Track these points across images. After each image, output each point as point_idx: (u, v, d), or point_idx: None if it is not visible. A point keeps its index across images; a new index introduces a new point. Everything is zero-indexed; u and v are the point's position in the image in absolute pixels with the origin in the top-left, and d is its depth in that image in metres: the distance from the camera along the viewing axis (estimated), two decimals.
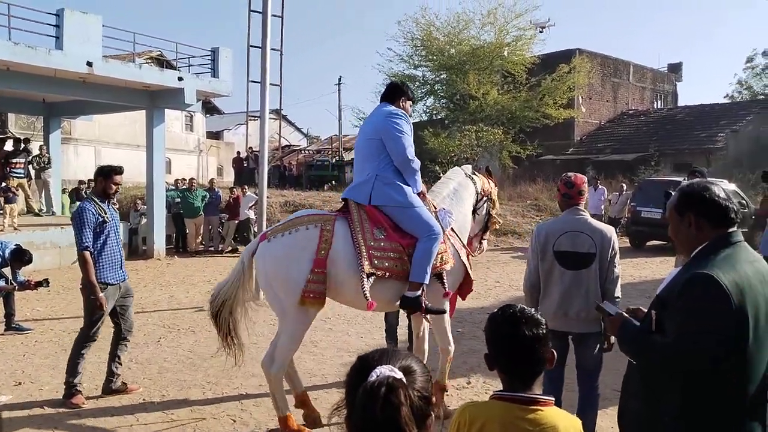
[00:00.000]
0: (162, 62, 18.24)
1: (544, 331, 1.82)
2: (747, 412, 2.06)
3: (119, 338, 5.18)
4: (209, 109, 32.59)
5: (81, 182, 16.58)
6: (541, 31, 27.42)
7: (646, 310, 2.35)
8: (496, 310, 1.88)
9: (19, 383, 5.36)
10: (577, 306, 3.65)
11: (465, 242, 4.71)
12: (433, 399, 1.28)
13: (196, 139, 32.94)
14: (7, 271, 6.77)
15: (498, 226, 5.26)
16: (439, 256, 4.20)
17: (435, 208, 4.43)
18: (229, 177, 29.21)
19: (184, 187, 15.17)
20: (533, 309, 1.88)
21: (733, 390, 2.02)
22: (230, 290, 4.30)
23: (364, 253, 3.99)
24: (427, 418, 1.24)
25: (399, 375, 1.22)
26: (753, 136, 25.09)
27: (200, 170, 31.54)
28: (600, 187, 16.60)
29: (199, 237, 15.23)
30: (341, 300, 4.23)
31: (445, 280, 4.30)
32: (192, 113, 29.89)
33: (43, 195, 15.07)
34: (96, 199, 4.95)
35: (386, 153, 4.22)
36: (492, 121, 24.19)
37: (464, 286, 4.60)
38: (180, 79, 12.94)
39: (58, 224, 12.83)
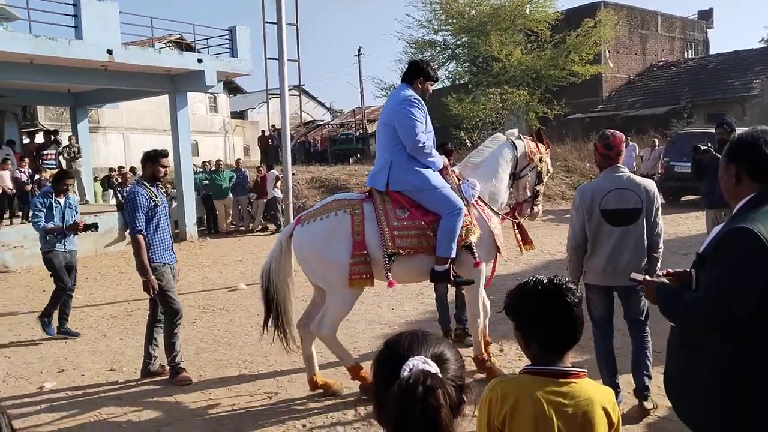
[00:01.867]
0: (181, 45, 18.26)
1: (580, 299, 1.75)
2: None
3: (155, 320, 5.27)
4: (232, 89, 32.63)
5: (111, 170, 16.90)
6: None
7: (688, 269, 2.27)
8: (526, 281, 1.79)
9: (62, 370, 5.51)
10: (626, 260, 3.77)
11: (499, 209, 4.75)
12: (465, 384, 1.24)
13: (221, 120, 33.12)
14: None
15: (541, 189, 5.16)
16: (464, 229, 4.31)
17: (458, 180, 4.51)
18: (256, 156, 29.36)
19: (212, 169, 15.31)
20: (565, 277, 1.80)
21: None
22: (273, 271, 4.52)
23: (387, 234, 4.21)
24: (461, 404, 1.20)
25: (434, 368, 1.18)
26: None
27: (227, 151, 31.77)
28: (630, 143, 16.18)
29: (229, 218, 15.41)
30: (377, 277, 4.33)
31: (474, 251, 4.40)
32: (215, 95, 29.99)
33: (75, 184, 15.37)
34: (146, 184, 5.13)
35: (399, 139, 4.32)
36: (517, 82, 23.67)
37: (522, 240, 4.82)
38: (200, 61, 12.95)
39: (92, 212, 13.09)
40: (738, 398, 1.98)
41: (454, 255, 4.28)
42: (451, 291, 5.69)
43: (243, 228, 15.40)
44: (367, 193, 4.51)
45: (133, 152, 26.68)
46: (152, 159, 5.17)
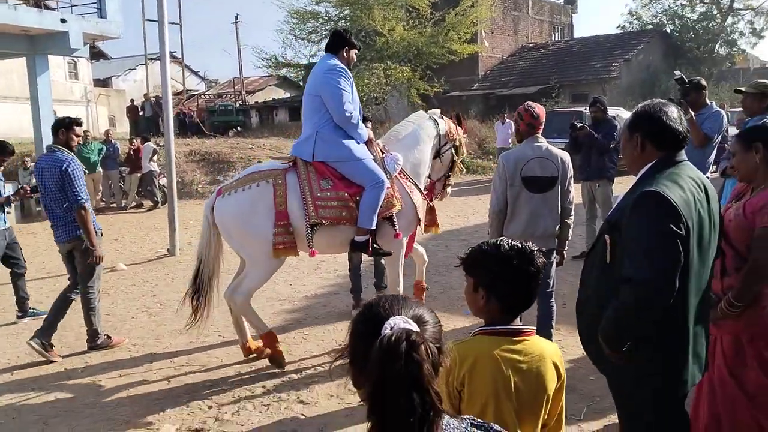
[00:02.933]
0: (38, 3, 16.44)
1: (543, 265, 1.79)
2: (694, 320, 2.17)
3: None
4: (95, 54, 30.07)
5: None
6: None
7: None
8: (497, 242, 1.79)
9: None
10: (543, 225, 4.01)
11: (421, 183, 4.82)
12: (446, 347, 1.22)
13: (82, 88, 30.46)
14: None
15: (460, 173, 5.56)
16: (386, 201, 4.39)
17: (382, 153, 4.58)
18: (123, 127, 27.40)
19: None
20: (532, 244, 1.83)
21: (679, 300, 2.09)
22: (204, 246, 4.52)
23: (310, 204, 4.24)
24: (439, 367, 1.18)
25: (415, 327, 1.15)
26: (644, 65, 26.52)
27: (90, 121, 29.28)
28: (507, 121, 17.00)
29: (99, 194, 14.28)
30: (300, 247, 4.36)
31: (395, 222, 4.50)
32: (75, 60, 27.51)
33: None
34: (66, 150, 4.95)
35: (326, 109, 4.32)
36: (399, 58, 23.92)
37: (428, 221, 4.94)
38: (63, 20, 11.73)
39: None
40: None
41: (374, 226, 4.35)
42: (369, 260, 5.81)
43: (114, 205, 14.37)
44: (291, 163, 4.46)
45: None
46: (66, 126, 4.98)
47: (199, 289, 4.54)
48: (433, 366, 1.14)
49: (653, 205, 2.06)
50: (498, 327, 1.77)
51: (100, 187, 14.26)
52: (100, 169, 13.87)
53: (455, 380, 1.70)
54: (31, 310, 6.05)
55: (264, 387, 4.22)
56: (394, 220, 4.50)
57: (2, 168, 6.01)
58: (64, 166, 4.79)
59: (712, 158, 5.47)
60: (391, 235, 4.53)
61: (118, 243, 10.07)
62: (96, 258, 4.90)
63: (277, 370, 4.44)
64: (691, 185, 2.16)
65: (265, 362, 4.57)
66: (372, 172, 4.35)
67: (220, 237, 4.54)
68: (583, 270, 2.41)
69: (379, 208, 4.34)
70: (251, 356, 4.62)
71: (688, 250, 2.06)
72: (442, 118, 5.15)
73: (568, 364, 4.29)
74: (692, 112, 5.10)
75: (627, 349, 2.12)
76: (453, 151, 5.11)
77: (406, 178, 4.68)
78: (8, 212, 6.08)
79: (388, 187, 4.39)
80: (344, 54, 4.46)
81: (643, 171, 2.26)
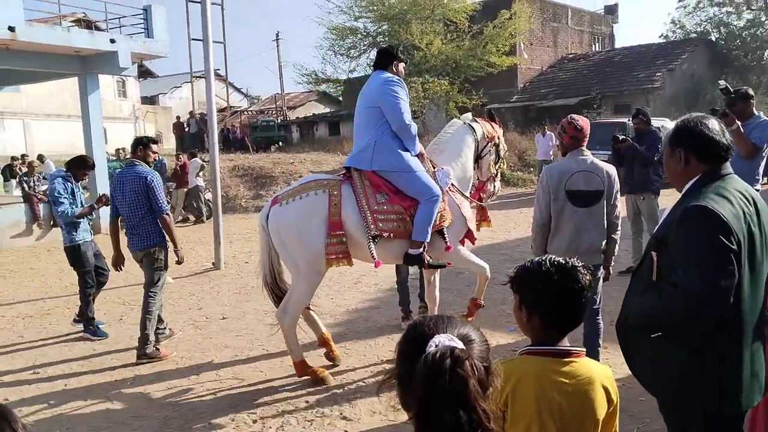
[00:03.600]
0: (89, 25, 17.13)
1: (590, 284, 1.76)
2: (751, 338, 2.12)
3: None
4: (142, 72, 31.09)
5: (14, 158, 15.64)
6: None
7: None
8: (538, 263, 1.78)
9: None
10: (588, 240, 3.93)
11: (468, 192, 4.92)
12: (494, 368, 1.21)
13: (130, 106, 31.53)
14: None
15: (504, 167, 5.65)
16: (439, 214, 4.44)
17: (434, 168, 4.65)
18: (170, 143, 28.18)
19: (127, 157, 14.49)
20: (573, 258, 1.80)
21: (731, 315, 2.05)
22: (267, 258, 4.61)
23: (369, 217, 4.29)
24: (487, 390, 1.17)
25: (460, 344, 1.16)
26: (688, 74, 25.88)
27: None
28: (548, 133, 16.83)
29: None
30: (356, 257, 4.45)
31: (446, 235, 4.57)
32: (124, 78, 28.48)
33: None
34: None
35: (384, 120, 4.40)
36: (437, 71, 23.98)
37: (469, 235, 4.90)
38: (112, 41, 12.18)
39: None
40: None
41: (428, 240, 4.42)
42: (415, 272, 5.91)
43: None
44: (344, 175, 4.56)
45: (35, 139, 24.93)
46: (144, 145, 5.46)
47: (275, 290, 4.71)
48: (480, 383, 1.13)
49: (701, 220, 2.03)
50: (544, 347, 1.74)
51: None
52: None
53: (500, 399, 1.69)
54: (92, 326, 6.05)
55: (307, 402, 4.25)
56: (445, 233, 4.56)
57: (83, 181, 6.19)
58: (148, 178, 5.23)
59: (761, 169, 5.29)
60: (443, 247, 4.59)
61: None
62: (180, 258, 5.53)
63: (321, 385, 4.48)
64: (739, 199, 2.12)
65: (288, 372, 4.62)
66: (427, 185, 4.40)
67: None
68: (629, 288, 2.37)
69: (433, 221, 4.39)
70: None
71: (739, 265, 2.01)
72: (476, 120, 5.14)
73: (617, 383, 4.20)
74: (738, 122, 4.95)
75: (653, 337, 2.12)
76: (494, 150, 5.14)
77: (456, 191, 4.74)
78: (91, 221, 6.23)
79: (441, 201, 4.45)
80: (393, 68, 4.58)
81: (688, 186, 2.23)
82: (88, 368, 5.10)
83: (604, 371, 1.77)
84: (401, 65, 4.64)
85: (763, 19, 30.56)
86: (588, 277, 1.75)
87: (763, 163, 5.39)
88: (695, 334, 2.05)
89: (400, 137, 4.43)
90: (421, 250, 4.42)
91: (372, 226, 4.28)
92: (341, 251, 4.30)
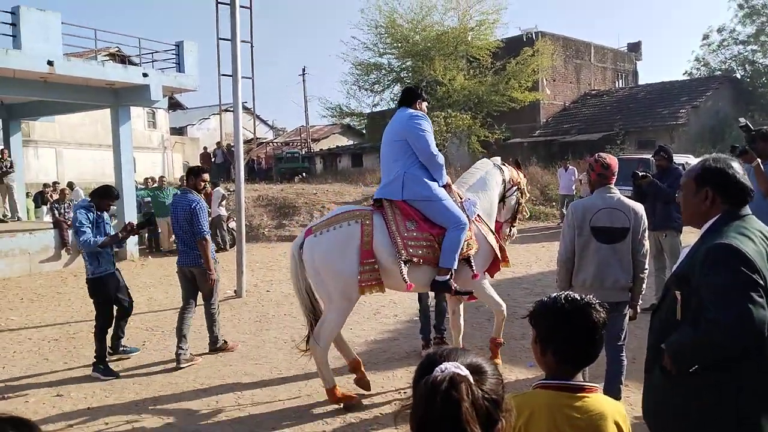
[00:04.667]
0: (123, 59, 17.74)
1: (605, 320, 1.79)
2: None
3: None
4: (171, 104, 31.88)
5: (45, 185, 16.09)
6: (525, 37, 27.57)
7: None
8: (553, 299, 1.82)
9: (2, 397, 5.17)
10: (612, 277, 3.96)
11: (492, 226, 5.09)
12: (505, 405, 1.23)
13: (159, 136, 32.28)
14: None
15: (526, 214, 5.92)
16: (465, 242, 4.61)
17: (461, 198, 4.86)
18: None
19: (155, 185, 14.84)
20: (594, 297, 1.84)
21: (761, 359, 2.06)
22: (299, 283, 4.71)
23: (400, 243, 4.45)
24: (495, 423, 1.20)
25: (464, 372, 1.19)
26: (713, 111, 25.73)
27: (165, 168, 30.92)
28: (570, 167, 16.83)
29: (172, 236, 14.94)
30: (386, 284, 4.56)
31: (473, 263, 4.73)
32: (155, 110, 29.25)
33: (7, 200, 14.57)
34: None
35: (412, 152, 4.62)
36: (460, 106, 24.23)
37: (492, 266, 5.07)
38: (145, 75, 12.62)
39: (26, 230, 12.43)
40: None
41: (456, 267, 4.56)
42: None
43: None
44: (374, 206, 4.74)
45: (67, 167, 25.62)
46: (195, 174, 6.14)
47: (314, 318, 4.75)
48: (480, 412, 1.15)
49: (728, 257, 2.06)
50: (557, 382, 1.76)
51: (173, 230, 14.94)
52: None
53: None
54: (122, 348, 6.22)
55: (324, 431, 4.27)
56: (472, 261, 4.71)
57: (108, 211, 6.05)
58: (193, 205, 5.83)
59: None
60: (470, 275, 4.73)
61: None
62: (212, 281, 5.96)
63: (338, 414, 4.50)
64: (760, 238, 2.16)
65: (325, 406, 4.64)
66: (455, 213, 4.59)
67: (304, 270, 4.68)
68: (650, 329, 2.38)
69: (460, 248, 4.54)
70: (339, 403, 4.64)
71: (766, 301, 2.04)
72: (504, 164, 5.47)
73: (636, 420, 4.15)
74: (759, 160, 4.96)
75: (692, 371, 2.13)
76: (518, 195, 5.46)
77: (482, 222, 4.95)
78: (118, 248, 6.21)
79: (468, 230, 4.62)
80: (417, 106, 4.81)
81: (708, 224, 2.26)
82: (111, 392, 5.19)
83: (617, 407, 1.79)
84: (424, 104, 4.88)
85: None
86: (603, 315, 1.77)
87: None
88: (713, 360, 2.09)
89: (428, 167, 4.63)
90: (448, 277, 4.55)
91: (403, 251, 4.43)
92: (374, 279, 4.44)
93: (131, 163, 13.94)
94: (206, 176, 6.24)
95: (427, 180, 4.60)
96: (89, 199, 5.93)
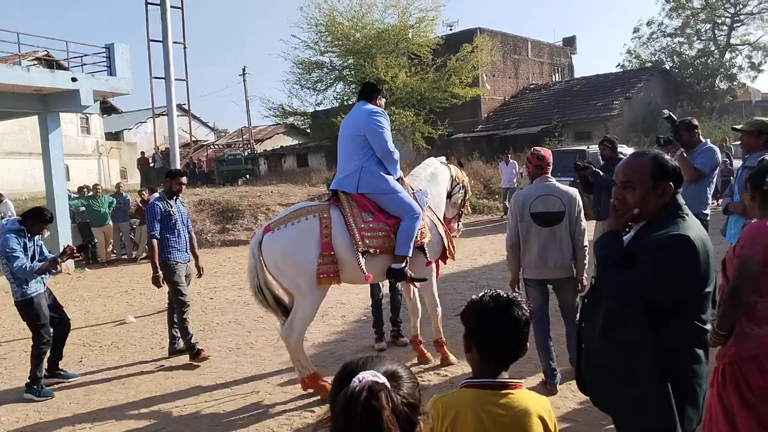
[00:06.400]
0: (51, 63, 16.98)
1: (528, 317, 1.81)
2: (704, 345, 2.24)
3: (173, 309, 6.31)
4: (106, 108, 30.79)
5: None
6: (450, 28, 27.99)
7: None
8: (479, 296, 1.83)
9: None
10: (554, 256, 4.40)
11: (441, 216, 5.36)
12: (422, 408, 1.24)
13: (94, 142, 31.12)
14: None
15: (468, 211, 6.30)
16: (419, 231, 4.83)
17: (412, 190, 5.07)
18: (134, 179, 27.87)
19: (89, 194, 14.28)
20: (515, 294, 1.86)
21: (696, 331, 2.20)
22: (255, 280, 4.77)
23: (357, 234, 4.59)
24: (414, 426, 1.20)
25: (382, 379, 1.19)
26: (645, 102, 26.79)
27: (102, 174, 29.85)
28: (511, 161, 17.15)
29: (110, 246, 14.45)
30: (343, 276, 4.69)
31: (426, 251, 4.98)
32: (88, 115, 28.17)
33: None
34: (165, 197, 6.24)
35: (369, 147, 4.79)
36: (403, 103, 24.34)
37: (443, 254, 5.30)
38: (74, 80, 12.10)
39: None
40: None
41: (411, 254, 4.77)
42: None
43: (125, 256, 14.48)
44: (331, 199, 4.89)
45: None
46: (171, 176, 6.39)
47: (270, 307, 4.88)
48: (400, 417, 1.15)
49: (683, 247, 2.15)
50: (482, 380, 1.78)
51: (111, 240, 14.43)
52: (111, 222, 14.05)
53: None
54: (60, 372, 5.77)
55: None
56: (425, 249, 4.96)
57: (42, 235, 5.64)
58: (147, 208, 6.25)
59: (710, 193, 5.51)
60: (423, 263, 5.00)
61: (128, 295, 10.13)
62: (153, 280, 6.14)
63: (284, 423, 4.43)
64: (701, 227, 2.30)
65: (272, 416, 4.57)
66: (409, 204, 4.79)
67: (264, 267, 4.75)
68: (583, 309, 2.47)
69: (414, 237, 4.74)
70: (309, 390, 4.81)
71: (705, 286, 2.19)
72: (448, 165, 5.75)
73: (582, 406, 4.26)
74: (682, 149, 5.21)
75: None
76: (462, 192, 5.74)
77: (432, 213, 5.19)
78: (54, 273, 5.67)
79: (421, 219, 4.84)
80: (376, 102, 4.99)
81: (656, 214, 2.32)
82: (46, 413, 4.95)
83: (541, 402, 1.81)
84: (383, 100, 5.07)
85: (713, 48, 31.97)
86: (527, 313, 1.80)
87: (712, 187, 5.61)
88: (641, 328, 2.21)
89: (384, 162, 4.82)
90: (404, 264, 4.76)
91: (360, 243, 4.57)
92: (332, 270, 4.57)
93: (63, 171, 13.36)
94: (183, 179, 6.44)
95: (383, 174, 4.79)
96: (19, 223, 5.47)
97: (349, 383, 1.19)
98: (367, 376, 1.19)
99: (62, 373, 5.80)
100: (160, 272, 6.06)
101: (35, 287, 5.41)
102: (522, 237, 4.46)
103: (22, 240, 5.34)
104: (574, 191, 4.48)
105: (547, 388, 4.55)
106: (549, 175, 4.49)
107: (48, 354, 5.55)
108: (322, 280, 4.57)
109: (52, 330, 5.55)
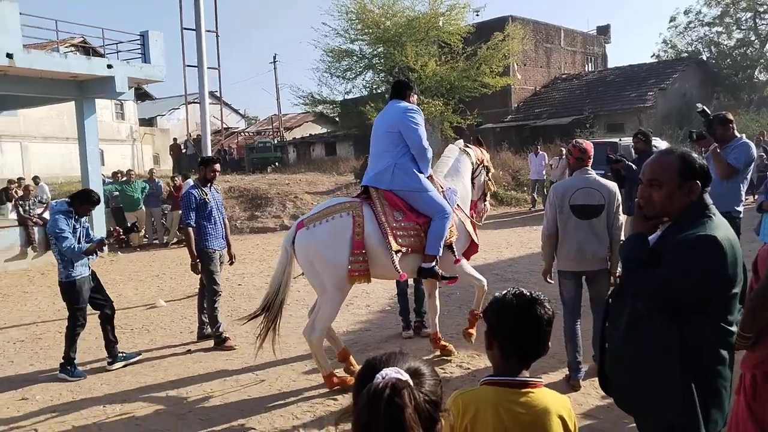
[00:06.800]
0: (87, 50, 17.31)
1: (551, 316, 1.82)
2: (730, 350, 2.23)
3: (203, 295, 6.42)
4: (140, 95, 31.28)
5: (10, 182, 15.66)
6: (477, 13, 27.69)
7: None
8: (503, 293, 1.85)
9: None
10: (591, 249, 4.45)
11: (468, 210, 5.41)
12: (443, 406, 1.26)
13: (128, 128, 31.72)
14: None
15: (495, 188, 6.25)
16: (449, 230, 4.88)
17: (442, 188, 5.09)
18: (167, 165, 28.31)
19: (123, 179, 14.59)
20: (538, 292, 1.87)
21: (722, 332, 2.19)
22: (282, 278, 4.82)
23: (389, 233, 4.63)
24: (436, 423, 1.22)
25: (405, 376, 1.21)
26: (680, 93, 26.15)
27: (135, 160, 30.44)
28: (540, 152, 16.98)
29: (142, 231, 14.76)
30: (374, 273, 4.71)
31: (454, 249, 5.03)
32: (122, 101, 28.68)
33: None
34: (199, 185, 6.32)
35: (404, 144, 4.82)
36: (432, 92, 24.22)
37: (469, 250, 5.34)
38: (110, 66, 12.32)
39: None
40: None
41: (441, 254, 4.82)
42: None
43: (157, 241, 14.77)
44: (362, 196, 4.95)
45: (32, 162, 25.04)
46: (204, 164, 6.43)
47: (269, 313, 4.88)
48: (422, 415, 1.18)
49: (711, 248, 2.12)
50: (503, 378, 1.80)
51: (144, 225, 14.74)
52: (143, 207, 14.35)
53: (459, 430, 1.73)
54: (120, 355, 5.81)
55: (294, 426, 4.28)
56: (454, 247, 5.01)
57: (89, 215, 5.79)
58: (183, 196, 6.38)
59: (744, 189, 5.39)
60: (452, 261, 5.04)
61: (159, 279, 10.36)
62: (192, 267, 6.31)
63: (308, 408, 4.51)
64: (729, 227, 2.25)
65: (297, 401, 4.66)
66: (440, 204, 4.82)
67: (292, 264, 4.82)
68: (607, 309, 2.46)
69: (445, 236, 4.80)
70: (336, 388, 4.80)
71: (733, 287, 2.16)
72: (468, 146, 5.74)
73: (604, 403, 4.24)
74: (716, 144, 5.10)
75: None
76: (484, 172, 5.71)
77: (460, 210, 5.22)
78: (101, 256, 5.86)
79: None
80: (410, 99, 5.01)
81: (682, 213, 2.29)
82: (78, 393, 5.12)
83: (561, 402, 1.82)
84: (415, 96, 5.08)
85: (753, 38, 30.99)
86: (549, 311, 1.80)
87: (746, 184, 5.49)
88: (666, 325, 2.19)
89: (417, 160, 4.85)
90: (434, 263, 4.81)
91: (393, 243, 4.61)
92: (363, 269, 4.60)
93: (98, 156, 13.64)
94: (217, 166, 6.45)
95: (416, 171, 4.82)
96: (68, 204, 5.58)
97: (373, 379, 1.22)
98: (390, 372, 1.21)
99: (123, 354, 5.83)
100: (196, 260, 6.17)
101: (80, 270, 5.53)
102: (560, 229, 4.50)
103: (70, 221, 5.48)
104: (614, 185, 4.52)
105: (571, 383, 4.55)
106: (589, 167, 4.53)
107: (111, 328, 5.73)
108: (354, 278, 4.61)
109: (100, 312, 5.71)
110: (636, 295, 2.25)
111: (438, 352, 5.51)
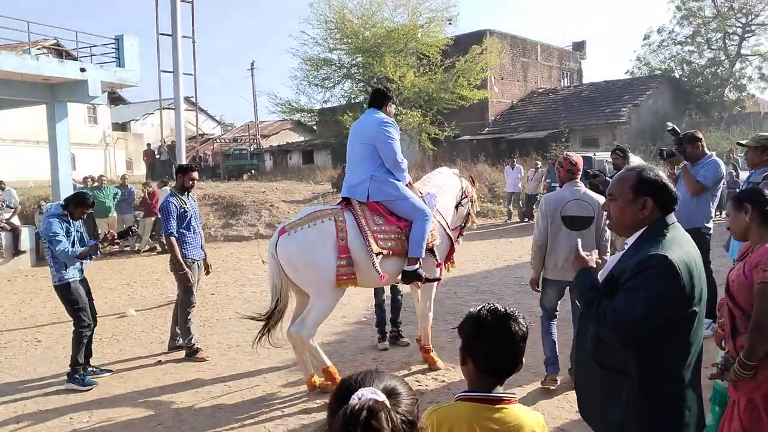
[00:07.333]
0: (60, 52, 17.02)
1: (525, 333, 1.81)
2: (692, 371, 2.21)
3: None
4: (114, 99, 30.90)
5: None
6: (449, 22, 27.88)
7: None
8: (478, 309, 1.83)
9: None
10: None
11: (449, 222, 5.45)
12: (419, 424, 1.24)
13: (101, 132, 31.15)
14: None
15: (475, 226, 6.39)
16: (430, 233, 4.95)
17: (421, 194, 5.19)
18: (140, 170, 27.90)
19: (94, 185, 14.31)
20: (511, 307, 1.85)
21: (680, 353, 2.17)
22: (279, 285, 4.83)
23: (370, 237, 4.70)
24: None
25: (381, 397, 1.19)
26: (653, 110, 26.71)
27: (107, 165, 29.90)
28: (516, 165, 17.13)
29: (145, 237, 14.47)
30: (359, 278, 4.76)
31: (436, 253, 5.11)
32: (95, 105, 28.23)
33: None
34: (177, 193, 6.15)
35: (378, 156, 4.89)
36: (410, 103, 24.32)
37: (448, 256, 5.43)
38: (83, 70, 12.14)
39: None
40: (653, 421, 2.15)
41: (423, 256, 4.88)
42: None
43: (128, 248, 14.51)
44: (342, 203, 4.99)
45: (1, 166, 24.42)
46: (182, 172, 6.24)
47: (272, 317, 4.94)
48: None
49: (661, 268, 2.10)
50: (477, 394, 1.78)
51: (116, 231, 14.45)
52: (115, 213, 14.08)
53: None
54: (91, 369, 5.63)
55: None
56: (435, 251, 5.07)
57: (81, 219, 5.64)
58: (162, 205, 6.11)
59: (713, 206, 5.50)
60: (434, 264, 5.13)
61: (130, 288, 10.16)
62: (179, 277, 6.07)
63: (281, 422, 4.44)
64: (690, 246, 2.23)
65: (269, 413, 4.58)
66: (420, 207, 4.92)
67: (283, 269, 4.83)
68: (578, 332, 2.44)
69: (426, 239, 4.86)
70: (316, 390, 4.86)
71: (694, 305, 2.14)
72: (461, 176, 5.90)
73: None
74: (685, 162, 5.22)
75: None
76: (470, 206, 5.83)
77: (440, 215, 5.30)
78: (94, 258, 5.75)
79: (431, 221, 4.95)
80: (386, 109, 5.08)
81: (640, 231, 2.30)
82: (43, 405, 4.97)
83: (535, 418, 1.81)
84: (392, 106, 5.17)
85: (723, 58, 31.81)
86: (524, 328, 1.79)
87: (716, 201, 5.60)
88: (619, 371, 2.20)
89: (392, 172, 4.94)
90: (417, 266, 4.88)
91: (374, 245, 4.68)
92: (350, 273, 4.67)
93: (69, 161, 13.40)
94: (195, 174, 6.34)
95: (392, 180, 4.90)
96: (62, 207, 5.49)
97: (348, 400, 1.19)
98: (366, 393, 1.19)
99: (94, 369, 5.68)
100: (187, 268, 6.00)
101: (72, 273, 5.44)
102: (550, 239, 4.60)
103: (64, 224, 5.40)
104: (603, 198, 4.60)
105: (547, 380, 4.69)
106: (579, 180, 4.67)
107: (88, 337, 5.54)
108: (341, 282, 4.65)
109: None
110: (597, 326, 2.23)
111: (418, 364, 5.47)
